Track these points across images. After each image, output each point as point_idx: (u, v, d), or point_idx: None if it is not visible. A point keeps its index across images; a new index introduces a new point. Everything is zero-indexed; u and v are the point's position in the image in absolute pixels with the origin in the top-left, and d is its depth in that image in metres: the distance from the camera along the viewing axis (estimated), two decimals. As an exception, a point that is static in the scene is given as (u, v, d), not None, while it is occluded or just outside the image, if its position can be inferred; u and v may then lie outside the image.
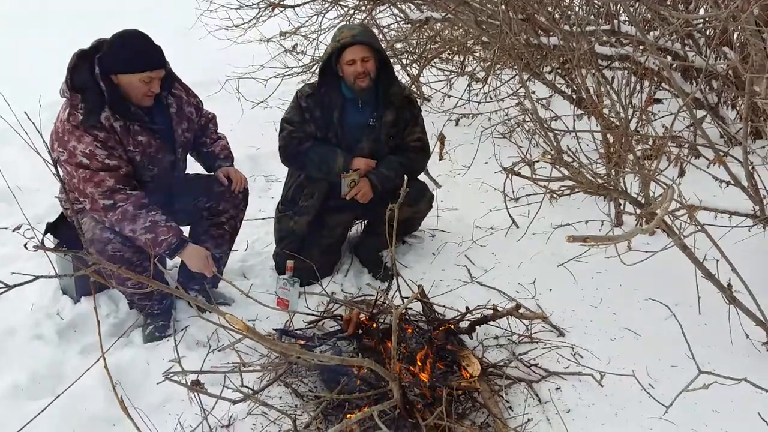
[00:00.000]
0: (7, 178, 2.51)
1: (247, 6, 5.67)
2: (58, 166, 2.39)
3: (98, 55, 2.37)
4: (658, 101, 4.46)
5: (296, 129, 2.97)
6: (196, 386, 2.01)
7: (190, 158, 2.84)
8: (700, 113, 4.07)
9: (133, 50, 2.37)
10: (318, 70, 3.05)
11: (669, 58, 4.08)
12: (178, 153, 2.62)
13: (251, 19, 5.75)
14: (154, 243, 2.39)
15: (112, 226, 2.43)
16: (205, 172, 2.89)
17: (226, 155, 2.85)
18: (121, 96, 2.40)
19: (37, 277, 1.54)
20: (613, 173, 2.93)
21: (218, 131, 2.93)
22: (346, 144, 2.94)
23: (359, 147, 2.97)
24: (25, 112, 2.57)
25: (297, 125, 2.97)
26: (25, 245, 1.67)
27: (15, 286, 1.49)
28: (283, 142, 3.00)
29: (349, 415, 2.03)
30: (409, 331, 2.48)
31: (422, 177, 3.74)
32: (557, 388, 2.26)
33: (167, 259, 2.65)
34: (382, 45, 5.79)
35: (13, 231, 1.83)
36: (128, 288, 2.54)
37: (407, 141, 3.07)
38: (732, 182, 2.64)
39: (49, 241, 2.68)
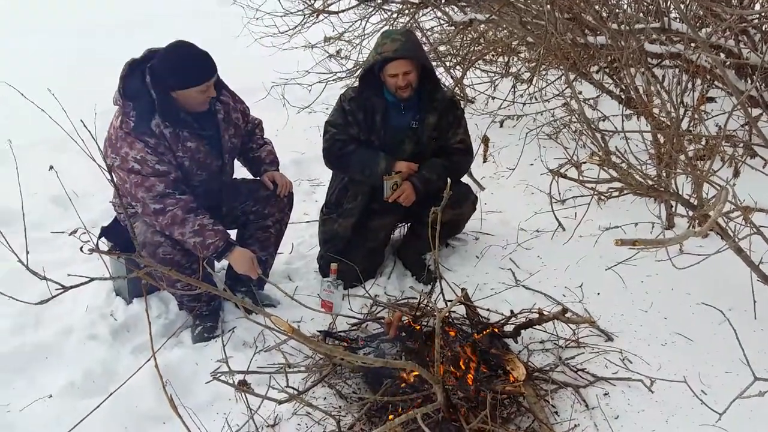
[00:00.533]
0: (64, 184, 2.61)
1: (292, 13, 5.75)
2: (112, 172, 2.46)
3: (149, 64, 2.45)
4: (711, 100, 4.32)
5: (339, 132, 3.00)
6: (243, 386, 2.05)
7: (237, 163, 2.90)
8: (755, 112, 3.92)
9: (187, 66, 2.43)
10: (359, 74, 3.06)
11: (722, 55, 3.94)
12: (225, 158, 2.68)
13: (296, 26, 5.82)
14: (202, 246, 2.46)
15: (162, 229, 2.50)
16: (252, 177, 2.94)
17: (271, 160, 2.90)
18: (171, 103, 2.46)
19: (92, 279, 1.59)
20: (664, 174, 2.84)
21: (264, 137, 2.98)
22: (389, 146, 2.95)
23: (402, 149, 2.98)
24: (81, 120, 2.67)
25: (340, 128, 3.00)
26: (80, 248, 1.73)
27: (71, 287, 1.55)
28: (326, 144, 3.03)
29: (392, 417, 2.03)
30: (453, 334, 2.46)
31: (466, 179, 3.73)
32: (605, 394, 2.21)
33: (215, 261, 2.71)
34: (425, 48, 5.81)
35: (70, 234, 1.90)
36: (178, 290, 2.60)
37: (450, 143, 3.06)
38: (790, 182, 2.54)
39: (104, 244, 2.77)
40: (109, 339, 2.60)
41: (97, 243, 2.76)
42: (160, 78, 2.42)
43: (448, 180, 2.19)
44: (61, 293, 1.54)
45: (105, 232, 2.80)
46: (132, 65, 2.48)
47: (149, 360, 1.72)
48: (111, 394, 1.95)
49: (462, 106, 3.24)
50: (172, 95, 2.45)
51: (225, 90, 2.71)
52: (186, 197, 2.50)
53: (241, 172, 2.96)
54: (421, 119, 2.97)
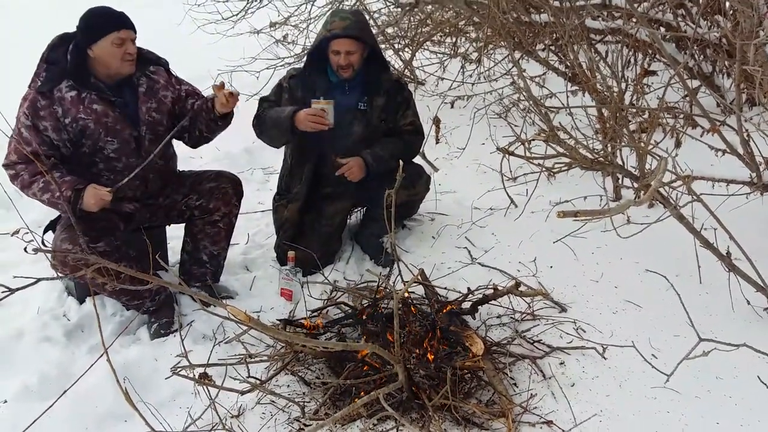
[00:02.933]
0: (3, 183, 2.53)
1: (235, -2, 5.65)
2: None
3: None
4: (653, 73, 4.43)
5: (268, 106, 3.02)
6: (204, 379, 2.04)
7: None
8: (695, 83, 4.06)
9: (96, 17, 2.48)
10: (307, 52, 3.07)
11: (662, 29, 4.06)
12: (142, 130, 2.61)
13: (240, 12, 5.74)
14: (54, 201, 2.45)
15: (24, 194, 2.52)
16: (197, 170, 2.90)
17: (210, 97, 2.76)
18: (84, 66, 2.49)
19: (39, 280, 1.56)
20: (609, 148, 2.93)
21: None
22: (337, 127, 2.92)
23: (351, 131, 2.98)
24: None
25: (271, 103, 3.03)
26: (24, 249, 1.69)
27: (17, 289, 1.51)
28: (253, 118, 3.03)
29: (356, 400, 2.05)
30: (413, 311, 2.50)
31: (419, 160, 3.76)
32: (561, 363, 2.28)
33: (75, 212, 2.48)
34: (373, 30, 5.78)
35: (12, 235, 1.85)
36: (104, 294, 2.63)
37: (400, 125, 3.08)
38: (728, 150, 2.65)
39: (48, 243, 2.69)
40: (63, 340, 2.54)
41: (42, 240, 2.68)
42: (76, 39, 2.48)
43: (400, 161, 2.21)
44: (7, 296, 1.50)
45: (51, 226, 2.72)
46: (63, 37, 2.53)
47: (101, 356, 1.69)
48: (65, 392, 1.91)
49: (410, 88, 3.26)
50: (89, 56, 2.48)
51: (163, 69, 2.71)
52: (35, 163, 2.43)
53: (187, 164, 2.91)
54: (369, 101, 2.98)
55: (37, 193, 2.46)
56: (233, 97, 2.58)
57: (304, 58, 3.11)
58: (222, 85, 2.59)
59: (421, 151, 4.09)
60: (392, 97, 3.02)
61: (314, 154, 3.01)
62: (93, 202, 2.43)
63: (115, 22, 2.47)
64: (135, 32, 2.53)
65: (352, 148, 2.96)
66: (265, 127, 2.98)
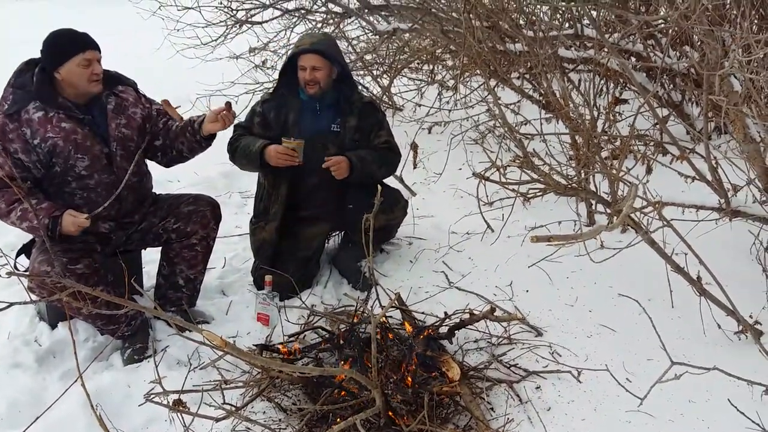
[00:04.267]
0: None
1: (214, 24, 5.69)
2: None
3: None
4: (624, 101, 4.54)
5: (242, 132, 3.08)
6: (179, 405, 2.01)
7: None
8: (665, 112, 4.17)
9: (61, 40, 2.50)
10: (278, 73, 3.13)
11: (633, 59, 4.17)
12: (112, 146, 2.61)
13: (219, 37, 5.77)
14: (32, 229, 2.44)
15: (2, 220, 2.50)
16: (174, 194, 2.90)
17: (198, 116, 2.80)
18: (50, 86, 2.50)
19: (11, 304, 1.53)
20: (582, 174, 2.98)
21: None
22: (311, 150, 2.94)
23: (327, 153, 3.00)
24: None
25: (243, 129, 3.10)
26: (-2, 273, 1.67)
27: (-11, 314, 1.48)
28: (228, 145, 3.07)
29: (333, 426, 2.04)
30: (390, 336, 2.50)
31: (397, 185, 3.79)
32: (537, 387, 2.30)
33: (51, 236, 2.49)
34: (351, 57, 5.85)
35: (-14, 259, 1.82)
36: (80, 318, 2.61)
37: (374, 144, 3.11)
38: (697, 177, 2.71)
39: (21, 267, 2.66)
40: (34, 366, 2.49)
41: (15, 264, 2.64)
42: (42, 63, 2.49)
43: (380, 177, 2.23)
44: (-21, 321, 1.47)
45: (23, 249, 2.69)
46: (28, 62, 2.55)
47: (75, 382, 1.67)
48: (37, 418, 1.87)
49: (382, 109, 3.32)
50: (56, 78, 2.49)
51: (131, 89, 2.73)
52: (10, 190, 2.44)
53: (165, 187, 2.90)
54: (342, 123, 3.02)
55: (16, 222, 2.45)
56: (229, 116, 2.64)
57: (278, 72, 3.18)
58: (229, 106, 2.65)
59: (398, 172, 4.13)
60: (365, 118, 3.07)
61: (288, 174, 3.04)
62: (72, 229, 2.44)
63: (80, 43, 2.48)
64: (100, 52, 2.55)
65: (324, 172, 2.99)
66: (236, 155, 3.03)
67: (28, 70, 2.52)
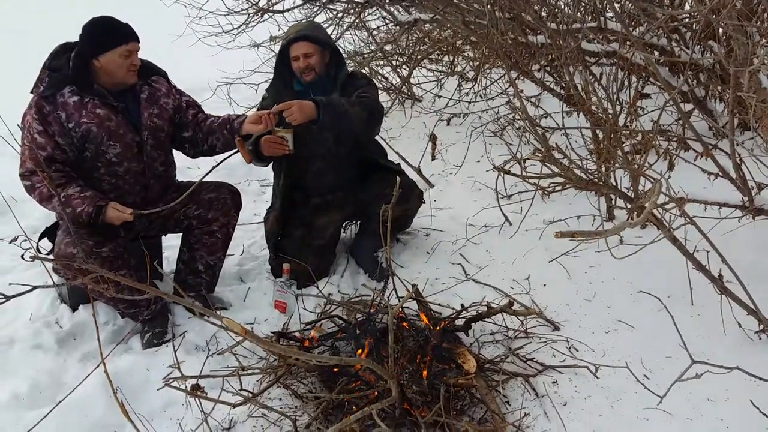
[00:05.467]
0: (1, 190, 2.53)
1: (236, 12, 5.69)
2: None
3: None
4: (647, 96, 4.49)
5: None
6: (196, 390, 2.03)
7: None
8: (688, 107, 4.11)
9: (105, 30, 2.51)
10: (273, 67, 3.13)
11: (656, 53, 4.12)
12: (144, 135, 2.64)
13: (240, 25, 5.77)
14: (75, 216, 2.44)
15: (40, 204, 2.53)
16: (197, 180, 2.92)
17: (238, 115, 2.85)
18: (87, 72, 2.52)
19: (35, 287, 1.56)
20: (603, 169, 2.96)
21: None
22: (306, 136, 2.92)
23: (324, 136, 3.00)
24: (18, 125, 2.60)
25: None
26: (22, 256, 1.69)
27: (13, 296, 1.51)
28: None
29: (348, 415, 2.05)
30: (406, 326, 2.50)
31: (412, 175, 3.78)
32: (554, 382, 2.29)
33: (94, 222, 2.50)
34: (372, 47, 5.84)
35: (10, 243, 1.86)
36: (103, 302, 2.65)
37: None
38: (720, 174, 2.68)
39: (44, 249, 2.69)
40: (55, 348, 2.53)
41: (37, 246, 2.68)
42: (80, 49, 2.50)
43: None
44: (2, 303, 1.50)
45: (46, 232, 2.72)
46: (64, 45, 2.57)
47: (98, 366, 1.69)
48: (59, 403, 1.90)
49: (368, 76, 3.26)
50: (94, 65, 2.50)
51: (164, 79, 2.76)
52: (55, 174, 2.48)
53: (188, 174, 2.92)
54: None
55: (57, 207, 2.48)
56: (272, 120, 2.67)
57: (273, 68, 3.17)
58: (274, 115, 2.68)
59: (416, 164, 4.12)
60: (346, 87, 3.01)
61: (286, 164, 3.06)
62: (116, 222, 2.49)
63: (124, 35, 2.50)
64: (139, 43, 2.57)
65: (327, 153, 2.99)
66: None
67: (64, 53, 2.54)
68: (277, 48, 5.96)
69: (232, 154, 2.79)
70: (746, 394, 2.11)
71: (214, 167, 2.80)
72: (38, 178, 2.46)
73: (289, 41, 2.93)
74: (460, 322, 2.53)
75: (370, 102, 2.92)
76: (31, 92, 2.53)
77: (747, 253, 2.79)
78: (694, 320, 2.57)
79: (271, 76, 3.20)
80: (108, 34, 2.49)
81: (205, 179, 2.75)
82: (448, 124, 5.31)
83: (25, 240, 1.94)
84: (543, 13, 4.37)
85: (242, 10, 5.69)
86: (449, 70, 5.94)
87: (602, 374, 2.30)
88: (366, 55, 5.80)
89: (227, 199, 2.82)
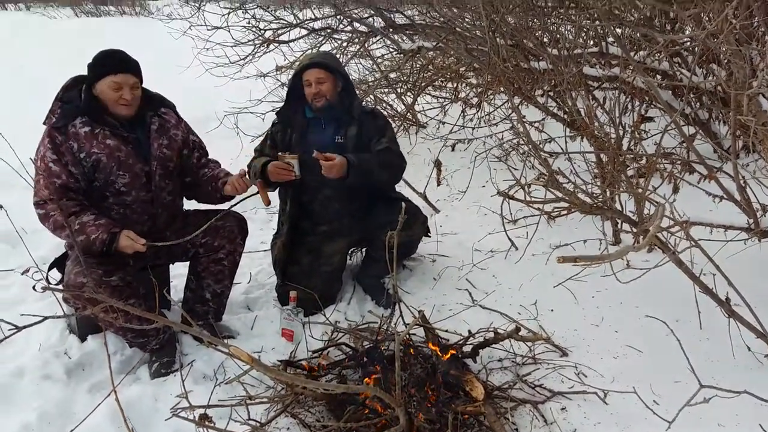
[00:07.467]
0: (13, 221, 2.57)
1: (242, 43, 5.79)
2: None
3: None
4: (650, 119, 4.52)
5: (256, 156, 3.17)
6: (204, 420, 2.03)
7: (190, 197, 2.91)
8: (692, 130, 4.13)
9: (101, 58, 2.57)
10: (285, 94, 3.19)
11: (658, 77, 4.15)
12: (153, 165, 2.68)
13: (247, 56, 5.87)
14: (89, 243, 2.46)
15: (53, 233, 2.56)
16: (203, 208, 2.96)
17: (226, 173, 2.92)
18: (97, 103, 2.57)
19: (45, 318, 1.57)
20: (607, 193, 2.97)
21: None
22: (316, 164, 2.92)
23: None
24: (31, 158, 2.65)
25: (257, 152, 3.20)
26: (33, 287, 1.71)
27: (24, 327, 1.52)
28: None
29: (356, 443, 2.04)
30: (411, 352, 2.50)
31: (420, 202, 3.81)
32: (562, 408, 2.27)
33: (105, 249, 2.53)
34: (376, 75, 5.91)
35: (23, 274, 1.88)
36: (112, 332, 2.66)
37: (375, 150, 3.04)
38: (725, 197, 2.68)
39: (53, 280, 2.71)
40: (64, 378, 2.53)
41: (47, 276, 2.70)
42: (86, 79, 2.57)
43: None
44: (14, 333, 1.51)
45: (55, 263, 2.75)
46: (77, 78, 2.63)
47: (108, 395, 1.70)
48: (70, 433, 1.91)
49: (385, 115, 3.30)
50: (95, 94, 2.57)
51: (172, 112, 2.83)
52: (69, 202, 2.51)
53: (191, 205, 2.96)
54: (344, 133, 3.06)
55: (70, 234, 2.51)
56: (242, 183, 2.76)
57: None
58: (243, 174, 2.77)
59: (421, 190, 4.14)
60: (364, 124, 3.07)
61: (293, 191, 3.11)
62: (129, 251, 2.52)
63: (113, 65, 2.55)
64: (137, 77, 2.59)
65: (336, 182, 3.01)
66: (249, 175, 3.06)
67: (75, 86, 2.61)
68: (283, 78, 6.08)
69: (251, 195, 2.86)
70: (756, 419, 2.09)
71: (232, 206, 2.89)
72: (52, 207, 2.49)
73: (303, 67, 2.99)
74: (467, 348, 2.53)
75: (398, 163, 3.07)
76: (44, 123, 2.58)
77: (753, 275, 2.78)
78: (702, 344, 2.55)
79: (278, 104, 3.26)
80: (99, 62, 2.55)
81: (212, 209, 2.79)
82: (453, 149, 5.35)
83: (37, 271, 1.96)
84: (545, 40, 4.42)
85: (249, 41, 5.79)
86: (453, 97, 6.00)
87: (611, 400, 2.29)
88: (371, 83, 5.88)
89: (234, 227, 2.84)
